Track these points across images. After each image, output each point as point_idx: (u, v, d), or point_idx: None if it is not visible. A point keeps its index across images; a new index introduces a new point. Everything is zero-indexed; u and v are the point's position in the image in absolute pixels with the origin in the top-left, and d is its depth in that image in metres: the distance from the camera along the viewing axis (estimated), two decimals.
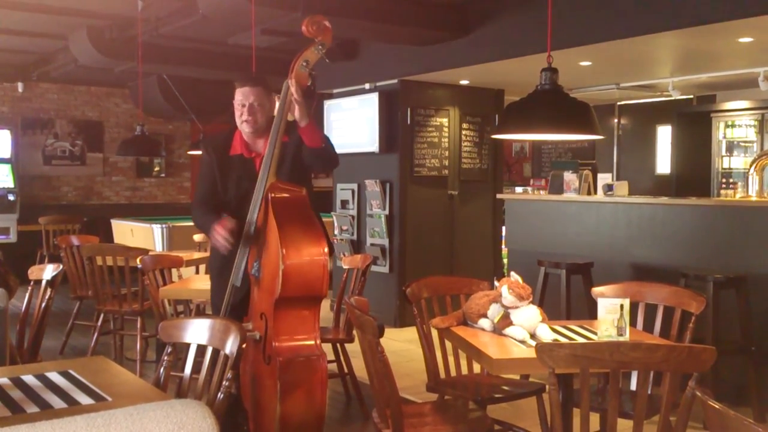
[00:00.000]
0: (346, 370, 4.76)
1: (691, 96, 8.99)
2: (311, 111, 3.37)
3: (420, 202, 7.55)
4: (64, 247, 6.46)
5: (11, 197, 10.13)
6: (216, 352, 2.44)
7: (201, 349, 2.52)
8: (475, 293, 3.33)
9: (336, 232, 8.02)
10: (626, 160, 10.07)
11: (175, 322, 2.71)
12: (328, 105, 8.16)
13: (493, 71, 6.84)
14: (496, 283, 3.19)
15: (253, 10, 5.16)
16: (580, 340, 2.99)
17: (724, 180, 8.63)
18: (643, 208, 5.49)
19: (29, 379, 2.36)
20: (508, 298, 3.05)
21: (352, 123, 7.84)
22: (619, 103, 9.77)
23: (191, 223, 3.81)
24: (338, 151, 3.59)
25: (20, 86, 10.52)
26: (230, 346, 2.37)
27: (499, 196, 7.19)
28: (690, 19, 4.91)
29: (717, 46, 5.77)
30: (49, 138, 10.96)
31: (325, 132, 7.98)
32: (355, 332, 3.94)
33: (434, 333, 3.49)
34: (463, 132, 7.86)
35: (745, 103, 8.49)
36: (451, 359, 3.65)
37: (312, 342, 3.18)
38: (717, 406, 1.61)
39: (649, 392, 2.74)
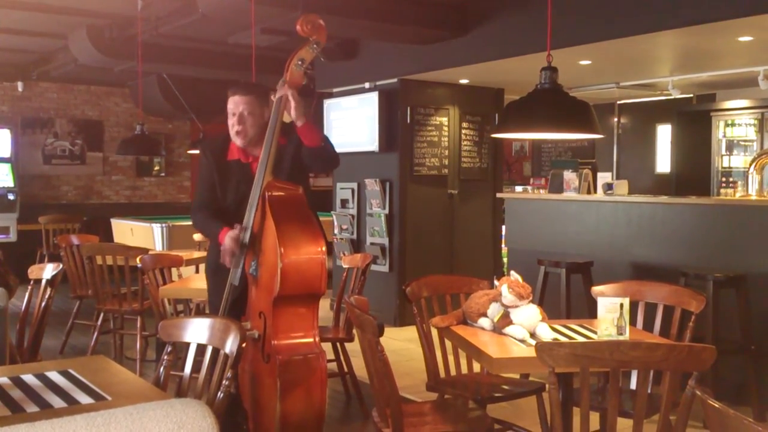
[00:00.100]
0: (346, 370, 4.76)
1: (691, 95, 8.99)
2: (310, 110, 3.38)
3: (420, 202, 7.55)
4: (63, 246, 6.46)
5: (11, 196, 10.13)
6: (216, 352, 2.44)
7: (201, 349, 2.52)
8: (475, 292, 3.33)
9: (336, 231, 8.02)
10: (626, 159, 10.07)
11: (174, 321, 2.71)
12: (328, 104, 8.16)
13: (493, 70, 6.84)
14: (495, 282, 3.19)
15: (253, 9, 5.16)
16: (580, 339, 2.99)
17: (723, 179, 8.63)
18: (643, 207, 5.49)
19: (29, 378, 2.36)
20: (508, 297, 3.05)
21: (352, 122, 7.84)
22: (618, 102, 9.77)
23: (191, 223, 3.81)
24: (338, 150, 3.58)
25: (20, 85, 10.52)
26: (230, 345, 2.37)
27: (499, 195, 7.19)
28: (690, 18, 4.91)
29: (717, 45, 5.77)
30: (49, 137, 10.96)
31: (325, 131, 8.00)
32: (354, 331, 3.94)
33: (434, 332, 3.49)
34: (463, 131, 7.86)
35: (744, 102, 8.49)
36: (451, 358, 3.65)
37: (311, 340, 3.18)
38: (717, 405, 1.61)
39: (649, 391, 2.74)
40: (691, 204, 5.31)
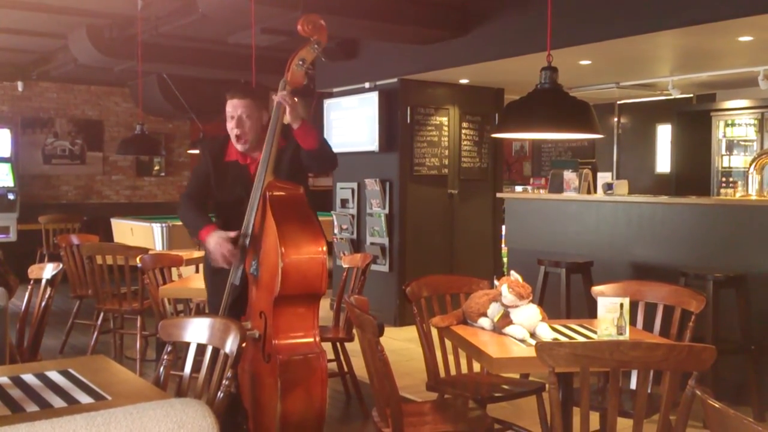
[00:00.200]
0: (345, 369, 4.76)
1: (691, 95, 8.99)
2: (310, 110, 3.38)
3: (420, 201, 7.55)
4: (63, 246, 6.46)
5: (11, 196, 10.13)
6: (216, 351, 2.44)
7: (201, 348, 2.52)
8: (475, 292, 3.33)
9: (336, 231, 8.02)
10: (626, 159, 10.07)
11: (174, 321, 2.71)
12: (328, 104, 8.16)
13: (493, 70, 6.84)
14: (495, 282, 3.19)
15: (253, 9, 5.16)
16: (580, 339, 2.99)
17: (723, 179, 8.63)
18: (642, 207, 5.49)
19: (29, 378, 2.36)
20: (508, 297, 3.05)
21: (352, 122, 7.84)
22: (618, 102, 9.77)
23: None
24: (338, 150, 3.58)
25: (20, 85, 10.52)
26: (230, 345, 2.37)
27: (499, 195, 7.19)
28: (690, 18, 4.91)
29: (717, 45, 5.77)
30: (49, 137, 10.96)
31: (325, 131, 8.01)
32: (354, 331, 3.94)
33: (434, 332, 3.49)
34: (463, 131, 7.86)
35: (744, 102, 8.49)
36: (450, 358, 3.65)
37: (311, 340, 3.18)
38: (717, 405, 1.61)
39: (649, 391, 2.74)
40: (691, 204, 5.31)
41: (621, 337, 2.79)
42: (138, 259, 5.10)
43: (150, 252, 5.50)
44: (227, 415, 2.86)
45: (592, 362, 2.32)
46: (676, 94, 7.88)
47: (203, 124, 10.08)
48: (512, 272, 3.18)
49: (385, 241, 7.50)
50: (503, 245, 7.86)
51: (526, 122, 3.59)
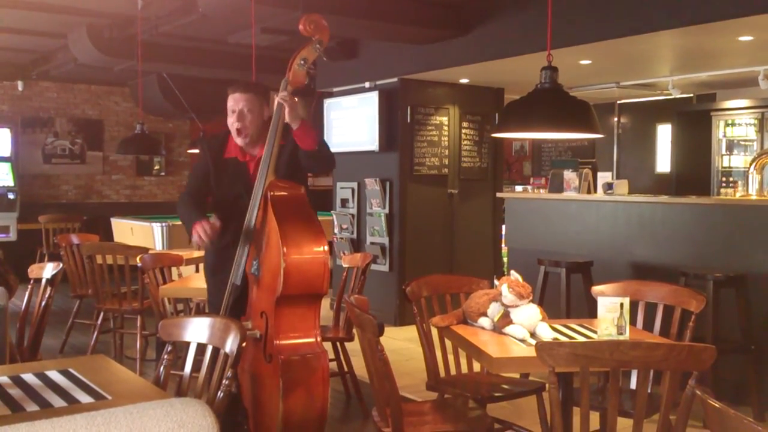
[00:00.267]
0: (346, 369, 4.76)
1: (691, 95, 8.99)
2: (310, 110, 3.38)
3: (420, 201, 7.55)
4: (63, 245, 6.46)
5: (11, 196, 10.13)
6: (216, 351, 2.44)
7: (201, 348, 2.52)
8: (475, 292, 3.33)
9: (336, 230, 8.02)
10: (626, 158, 10.06)
11: (174, 320, 2.71)
12: (328, 103, 8.16)
13: (493, 70, 6.84)
14: (496, 281, 3.19)
15: (253, 9, 5.16)
16: (580, 338, 2.99)
17: (724, 179, 8.63)
18: (643, 206, 5.49)
19: (29, 377, 2.36)
20: (508, 296, 3.05)
21: (352, 121, 7.83)
22: (619, 102, 9.77)
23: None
24: (338, 149, 3.60)
25: (20, 85, 10.52)
26: (230, 344, 2.37)
27: (499, 194, 7.19)
28: (690, 18, 4.91)
29: (717, 45, 5.77)
30: (49, 136, 10.96)
31: (325, 131, 8.01)
32: (355, 331, 3.94)
33: (434, 332, 3.49)
34: (463, 131, 7.86)
35: (745, 102, 8.49)
36: (451, 358, 3.65)
37: (313, 340, 3.18)
38: (717, 405, 1.61)
39: (649, 391, 2.74)
40: (691, 204, 5.31)
41: (621, 337, 2.79)
42: (138, 258, 5.10)
43: (150, 251, 5.50)
44: (227, 415, 2.86)
45: (592, 362, 2.32)
46: (676, 94, 7.88)
47: (203, 123, 10.08)
48: (512, 272, 3.18)
49: (385, 240, 7.50)
50: (503, 245, 7.86)
51: (526, 122, 3.59)
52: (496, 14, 6.22)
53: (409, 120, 7.44)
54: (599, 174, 6.13)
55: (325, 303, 4.24)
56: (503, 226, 7.65)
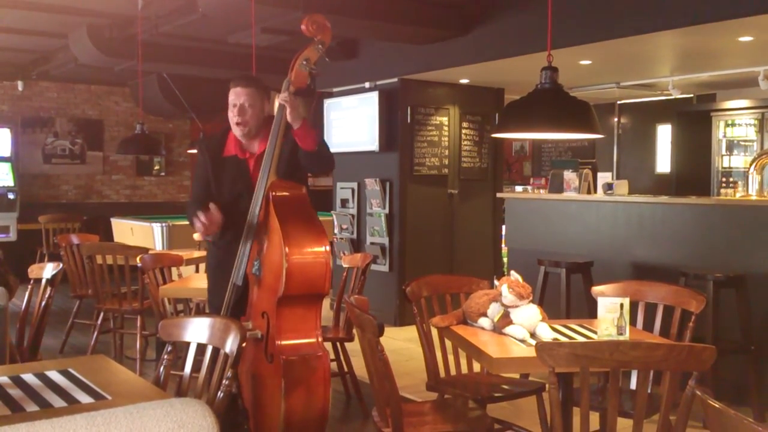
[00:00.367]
0: (346, 369, 4.76)
1: (691, 95, 8.99)
2: (310, 110, 3.38)
3: (420, 201, 7.55)
4: (64, 245, 6.46)
5: (11, 196, 10.13)
6: (216, 351, 2.44)
7: (201, 348, 2.52)
8: (475, 292, 3.33)
9: (336, 230, 8.02)
10: (626, 159, 10.06)
11: (174, 320, 2.71)
12: (328, 104, 8.16)
13: (493, 70, 6.84)
14: (495, 282, 3.19)
15: (253, 9, 5.16)
16: (580, 339, 2.99)
17: (724, 179, 8.63)
18: (643, 207, 5.49)
19: (29, 377, 2.36)
20: (508, 297, 3.05)
21: (352, 122, 7.83)
22: (619, 102, 9.77)
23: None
24: (338, 149, 3.60)
25: (20, 85, 10.52)
26: (230, 344, 2.37)
27: (499, 195, 7.19)
28: (690, 18, 4.91)
29: (717, 45, 5.77)
30: (49, 136, 10.95)
31: (325, 131, 8.01)
32: (355, 331, 3.94)
33: (434, 332, 3.49)
34: (463, 131, 7.86)
35: (745, 102, 8.49)
36: (450, 358, 3.65)
37: (314, 340, 3.18)
38: (717, 405, 1.61)
39: (649, 391, 2.74)
40: (691, 204, 5.31)
41: (621, 337, 2.79)
42: (138, 258, 5.10)
43: (150, 252, 5.50)
44: (227, 415, 2.86)
45: (592, 362, 2.32)
46: (676, 94, 7.88)
47: (203, 123, 10.07)
48: (512, 272, 3.18)
49: (385, 240, 7.50)
50: (503, 245, 7.86)
51: (526, 122, 3.59)
52: (496, 14, 6.22)
53: (409, 120, 7.44)
54: (599, 174, 6.13)
55: (325, 303, 4.24)
56: (503, 227, 7.65)
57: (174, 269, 5.44)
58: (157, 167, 11.84)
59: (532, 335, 2.98)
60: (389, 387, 2.83)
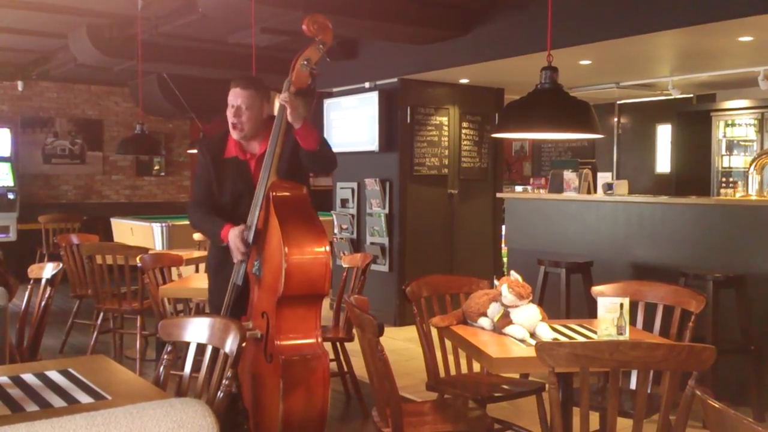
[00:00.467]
0: (345, 369, 4.76)
1: (691, 95, 8.99)
2: (310, 110, 3.37)
3: (420, 201, 7.55)
4: (63, 245, 6.46)
5: (11, 196, 10.13)
6: (216, 351, 2.44)
7: (201, 348, 2.52)
8: (475, 292, 3.33)
9: (336, 230, 8.02)
10: (626, 159, 10.07)
11: (174, 320, 2.71)
12: (328, 104, 8.16)
13: (493, 70, 6.84)
14: (495, 282, 3.19)
15: (253, 9, 5.16)
16: (580, 339, 2.99)
17: (723, 179, 8.63)
18: (642, 207, 5.49)
19: (29, 377, 2.36)
20: (507, 297, 3.05)
21: (352, 122, 7.84)
22: (618, 102, 9.77)
23: (189, 222, 3.80)
24: (338, 149, 3.59)
25: (20, 85, 10.52)
26: (230, 344, 2.37)
27: (499, 195, 7.19)
28: (690, 18, 4.91)
29: (717, 45, 5.77)
30: (49, 137, 10.95)
31: (325, 131, 8.01)
32: (354, 331, 3.94)
33: (434, 332, 3.49)
34: (463, 131, 7.86)
35: (745, 102, 8.49)
36: (450, 358, 3.65)
37: (314, 340, 3.18)
38: (717, 405, 1.61)
39: (649, 391, 2.74)
40: (691, 204, 5.31)
41: (621, 337, 2.79)
42: (138, 258, 5.10)
43: (150, 252, 5.50)
44: (227, 415, 2.86)
45: (592, 362, 2.32)
46: (676, 94, 7.88)
47: (203, 123, 10.07)
48: (512, 272, 3.18)
49: (385, 241, 7.50)
50: (503, 245, 7.86)
51: (526, 122, 3.59)
52: (496, 14, 6.22)
53: (409, 120, 7.44)
54: (599, 174, 6.13)
55: (325, 303, 4.24)
56: (503, 227, 7.65)
57: (174, 269, 5.44)
58: (156, 167, 11.84)
59: (532, 335, 2.98)
60: (389, 387, 2.83)
